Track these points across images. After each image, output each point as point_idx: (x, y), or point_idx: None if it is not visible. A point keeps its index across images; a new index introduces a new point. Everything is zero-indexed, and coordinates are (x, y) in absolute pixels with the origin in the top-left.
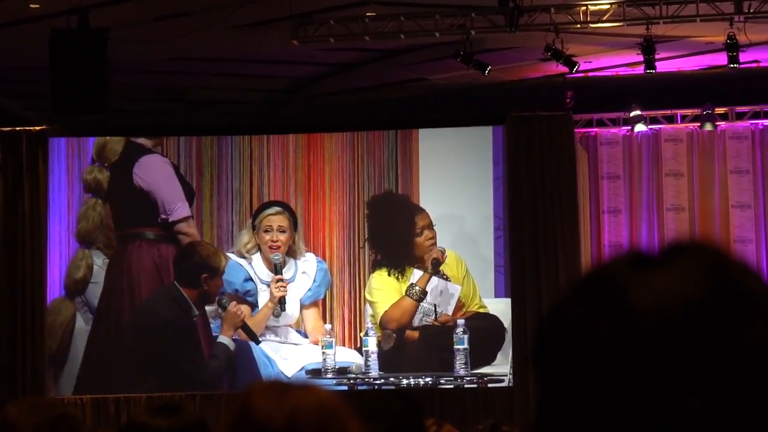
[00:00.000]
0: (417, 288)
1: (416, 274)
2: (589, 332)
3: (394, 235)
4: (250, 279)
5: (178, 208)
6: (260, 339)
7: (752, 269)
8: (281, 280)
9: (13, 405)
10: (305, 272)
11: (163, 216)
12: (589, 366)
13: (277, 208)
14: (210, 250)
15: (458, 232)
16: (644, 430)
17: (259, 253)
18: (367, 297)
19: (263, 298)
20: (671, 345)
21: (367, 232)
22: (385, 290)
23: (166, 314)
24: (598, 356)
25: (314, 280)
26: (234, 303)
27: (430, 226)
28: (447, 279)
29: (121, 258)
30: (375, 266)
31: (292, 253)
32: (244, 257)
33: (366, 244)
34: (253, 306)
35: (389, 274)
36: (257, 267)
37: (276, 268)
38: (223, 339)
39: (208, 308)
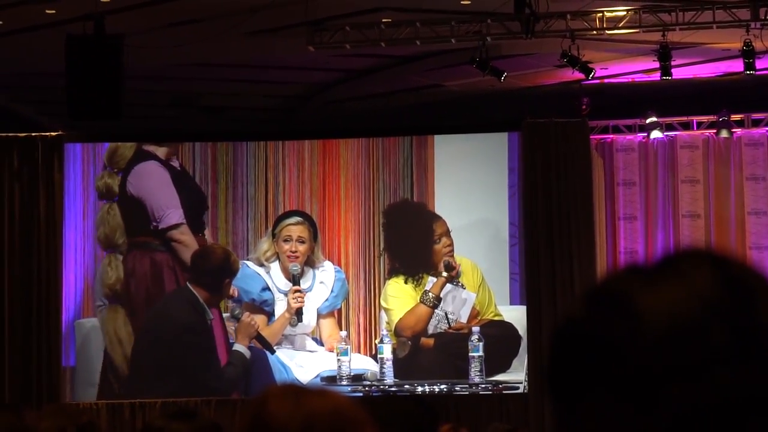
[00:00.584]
0: (431, 294)
1: (430, 282)
2: (604, 336)
3: (412, 242)
4: (267, 288)
5: (169, 215)
6: (276, 347)
7: (751, 265)
8: (299, 291)
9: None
10: (323, 282)
11: (154, 223)
12: (612, 365)
13: (298, 218)
14: (232, 257)
15: (473, 239)
16: (678, 415)
17: (277, 261)
18: (383, 304)
19: (280, 307)
20: (688, 334)
21: (383, 241)
22: (400, 297)
23: (181, 318)
24: (617, 357)
25: (332, 291)
26: (247, 314)
27: (447, 233)
28: (462, 287)
29: (130, 264)
30: (391, 273)
31: (310, 262)
32: (262, 265)
33: (383, 253)
34: (270, 315)
35: (405, 282)
36: (275, 276)
37: (294, 279)
38: (239, 347)
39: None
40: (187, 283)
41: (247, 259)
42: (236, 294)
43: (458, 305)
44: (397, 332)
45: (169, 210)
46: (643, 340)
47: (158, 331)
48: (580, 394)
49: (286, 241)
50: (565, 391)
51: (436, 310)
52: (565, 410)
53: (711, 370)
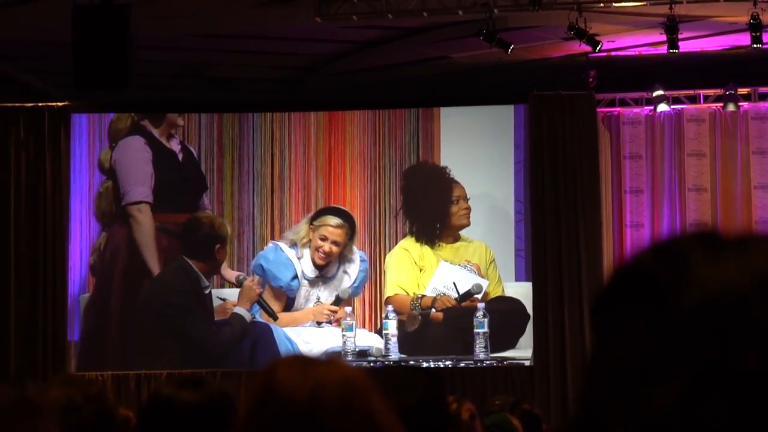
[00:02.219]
0: (419, 307)
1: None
2: (662, 280)
3: (430, 202)
4: (296, 277)
5: (131, 191)
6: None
7: None
8: (335, 311)
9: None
10: (347, 273)
11: (120, 198)
12: (657, 308)
13: (339, 221)
14: (217, 221)
15: (479, 215)
16: (700, 376)
17: (308, 248)
18: (386, 266)
19: (303, 292)
20: (737, 304)
21: (401, 202)
22: (399, 267)
23: (176, 286)
24: (663, 301)
25: (354, 281)
26: (251, 278)
27: (465, 197)
28: (476, 272)
29: (113, 236)
30: (406, 233)
31: (341, 257)
32: (295, 246)
33: (400, 212)
34: (290, 300)
35: (417, 242)
36: (304, 262)
37: (337, 298)
38: (239, 310)
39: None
40: (183, 256)
41: (281, 239)
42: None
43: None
44: (387, 300)
45: (134, 187)
46: (695, 294)
47: (156, 302)
48: (618, 331)
49: (322, 239)
50: (607, 324)
51: (446, 291)
52: (602, 334)
53: (745, 341)
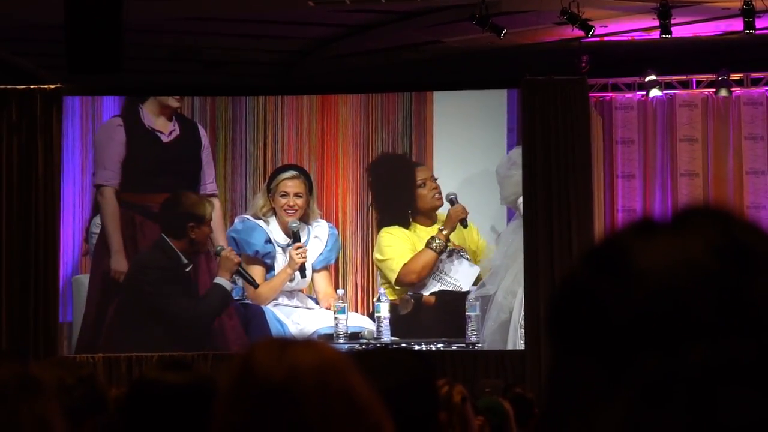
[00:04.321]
0: (438, 240)
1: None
2: (595, 294)
3: (397, 191)
4: (270, 241)
5: (97, 174)
6: (273, 304)
7: (758, 227)
8: (301, 246)
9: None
10: (317, 237)
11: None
12: (596, 326)
13: (294, 172)
14: (193, 199)
15: (472, 198)
16: (647, 384)
17: (274, 216)
18: (377, 257)
19: (279, 261)
20: (673, 301)
21: (370, 197)
22: (395, 245)
23: (150, 263)
24: (603, 316)
25: (326, 245)
26: (229, 249)
27: (432, 177)
28: (468, 258)
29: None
30: (381, 225)
31: (305, 217)
32: (259, 219)
33: (371, 207)
34: (269, 268)
35: (394, 228)
36: (274, 230)
37: (295, 235)
38: (219, 280)
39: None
40: (162, 234)
41: (247, 215)
42: (209, 232)
43: (462, 276)
44: (400, 280)
45: (99, 170)
46: (627, 305)
47: (134, 281)
48: (569, 350)
49: (282, 196)
50: (558, 345)
51: (445, 276)
52: (555, 362)
53: (686, 344)
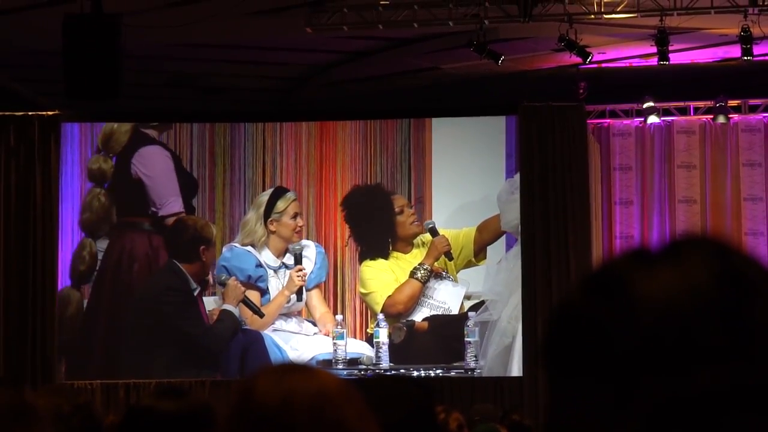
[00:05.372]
0: (423, 268)
1: (418, 255)
2: (596, 320)
3: (374, 222)
4: (261, 265)
5: (170, 203)
6: (271, 329)
7: (752, 257)
8: (302, 269)
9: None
10: (306, 256)
11: (153, 209)
12: (597, 351)
13: (294, 193)
14: (200, 222)
15: (470, 224)
16: (653, 410)
17: (266, 247)
18: (361, 291)
19: (272, 283)
20: (676, 327)
21: (348, 231)
22: (377, 278)
23: (168, 285)
24: (605, 342)
25: (315, 263)
26: (234, 278)
27: (408, 204)
28: (451, 279)
29: (117, 245)
30: (362, 257)
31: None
32: (254, 247)
33: (348, 243)
34: (263, 292)
35: (374, 260)
36: (264, 254)
37: (297, 258)
38: (227, 307)
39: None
40: (171, 258)
41: (234, 243)
42: (215, 255)
43: (449, 297)
44: (385, 311)
45: (172, 198)
46: (632, 330)
47: (149, 302)
48: (569, 375)
49: (293, 217)
50: (556, 370)
51: (431, 300)
52: (554, 388)
53: (693, 367)
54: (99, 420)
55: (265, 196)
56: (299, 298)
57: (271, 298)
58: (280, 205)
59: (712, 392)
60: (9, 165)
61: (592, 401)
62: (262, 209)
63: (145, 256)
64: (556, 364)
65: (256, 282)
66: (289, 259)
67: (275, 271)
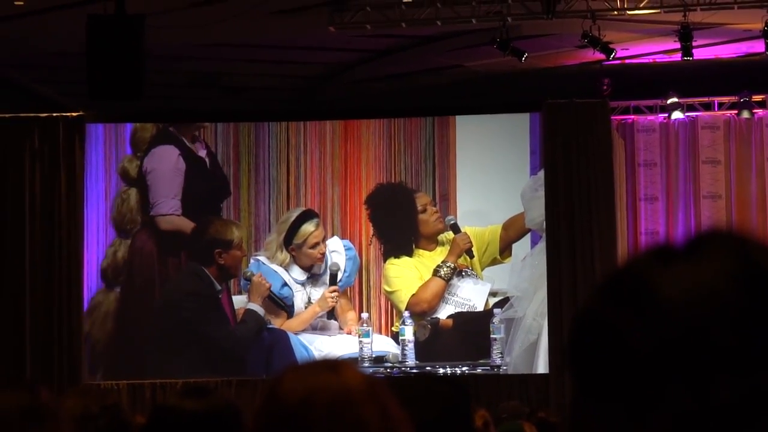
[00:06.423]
0: (447, 266)
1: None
2: (616, 328)
3: (398, 220)
4: (287, 284)
5: (161, 203)
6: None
7: None
8: (336, 291)
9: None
10: (336, 263)
11: (150, 208)
12: (618, 362)
13: (316, 221)
14: (218, 225)
15: (494, 222)
16: (673, 421)
17: (293, 264)
18: (386, 289)
19: (299, 298)
20: (696, 334)
21: (372, 229)
22: (403, 276)
23: (189, 288)
24: (625, 351)
25: (344, 271)
26: (259, 274)
27: (431, 202)
28: (475, 276)
29: (136, 245)
30: (386, 256)
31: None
32: (274, 264)
33: (372, 241)
34: (289, 310)
35: (398, 258)
36: (292, 269)
37: (333, 277)
38: (252, 305)
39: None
40: (193, 260)
41: (260, 257)
42: (240, 256)
43: (474, 294)
44: (410, 309)
45: (163, 199)
46: (652, 338)
47: (171, 306)
48: (592, 384)
49: (313, 247)
50: (579, 379)
51: (455, 297)
52: (576, 396)
53: (715, 374)
54: (127, 420)
55: (288, 219)
56: (329, 317)
57: (297, 311)
58: (301, 234)
59: (735, 399)
60: (34, 166)
61: (614, 409)
62: (283, 236)
63: (151, 255)
64: (578, 372)
65: (280, 300)
66: (317, 269)
67: (302, 284)
